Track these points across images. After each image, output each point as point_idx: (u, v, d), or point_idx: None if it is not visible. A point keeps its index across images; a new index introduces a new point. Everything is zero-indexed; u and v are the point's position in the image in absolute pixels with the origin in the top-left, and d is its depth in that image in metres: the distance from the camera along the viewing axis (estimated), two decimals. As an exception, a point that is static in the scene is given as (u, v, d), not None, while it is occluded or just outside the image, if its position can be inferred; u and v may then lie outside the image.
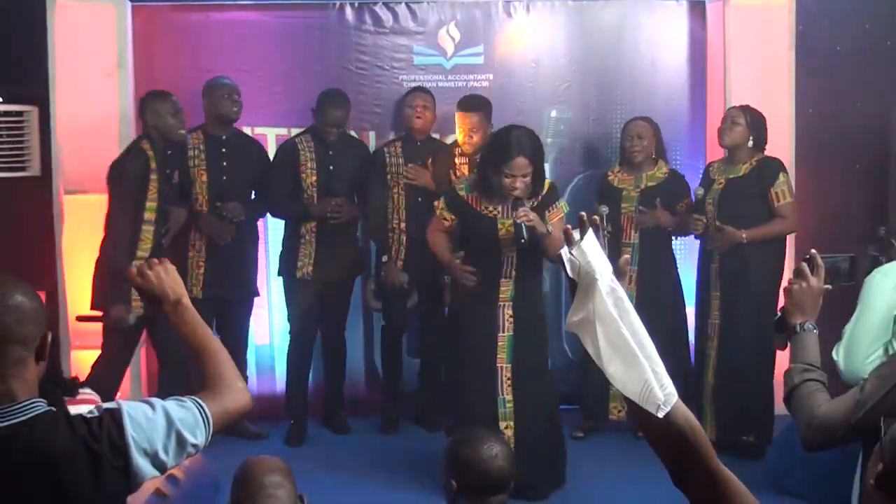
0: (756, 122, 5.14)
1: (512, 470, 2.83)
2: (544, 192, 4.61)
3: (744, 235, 5.03)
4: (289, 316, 5.55)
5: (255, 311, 5.65)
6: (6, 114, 5.12)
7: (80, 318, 4.97)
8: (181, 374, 4.63)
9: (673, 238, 5.50)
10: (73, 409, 1.92)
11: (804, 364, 2.41)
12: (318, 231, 5.36)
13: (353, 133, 5.74)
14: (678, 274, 5.50)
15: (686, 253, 5.84)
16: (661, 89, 5.97)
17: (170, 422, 1.94)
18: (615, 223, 5.29)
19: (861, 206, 5.79)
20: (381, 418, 5.70)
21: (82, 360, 5.32)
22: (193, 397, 2.02)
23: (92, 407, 1.94)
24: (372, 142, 5.78)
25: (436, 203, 4.82)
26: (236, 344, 5.32)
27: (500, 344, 4.62)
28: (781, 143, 5.48)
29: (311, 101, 5.38)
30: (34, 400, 1.88)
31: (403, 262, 5.47)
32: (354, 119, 5.72)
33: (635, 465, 3.84)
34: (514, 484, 2.86)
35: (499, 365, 4.62)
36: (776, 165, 5.15)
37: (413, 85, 5.64)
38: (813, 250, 2.48)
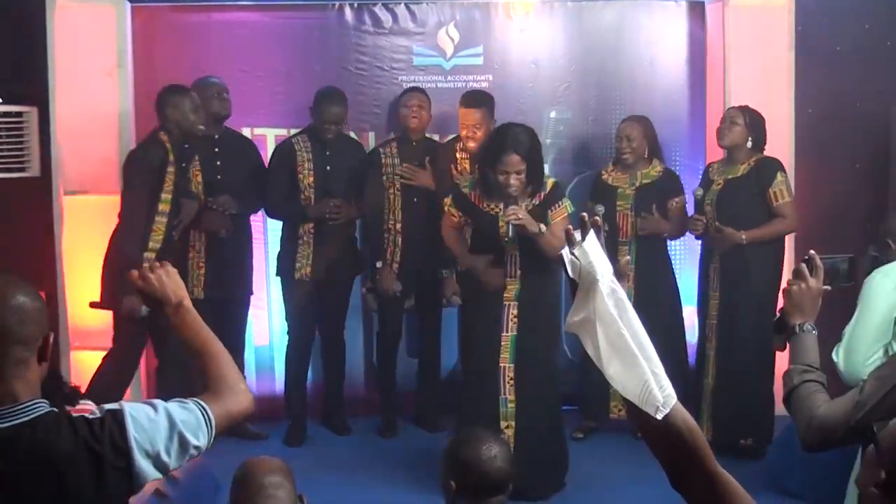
0: (755, 123, 5.15)
1: (511, 471, 2.84)
2: (547, 190, 4.61)
3: (743, 237, 5.03)
4: (287, 317, 5.55)
5: (254, 311, 5.66)
6: (6, 114, 5.12)
7: (94, 305, 4.97)
8: (181, 373, 4.63)
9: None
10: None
11: (803, 365, 2.41)
12: (315, 232, 5.36)
13: (352, 133, 5.74)
14: (674, 274, 5.51)
15: (686, 253, 5.85)
16: (661, 90, 5.97)
17: (172, 423, 1.94)
18: (611, 222, 5.29)
19: (861, 206, 5.79)
20: (382, 420, 5.70)
21: (82, 360, 5.33)
22: (196, 399, 2.01)
23: (94, 408, 1.94)
24: (371, 142, 5.78)
25: (445, 200, 4.82)
26: (235, 343, 5.33)
27: (503, 344, 4.62)
28: (781, 143, 5.48)
29: (311, 102, 5.37)
30: (36, 401, 1.88)
31: (399, 263, 5.46)
32: (354, 120, 5.73)
33: (635, 465, 3.84)
34: (512, 485, 2.87)
35: (501, 365, 4.62)
36: (774, 165, 5.15)
37: (413, 86, 5.64)
38: (812, 251, 2.48)
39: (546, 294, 4.70)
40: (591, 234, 1.64)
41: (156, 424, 1.92)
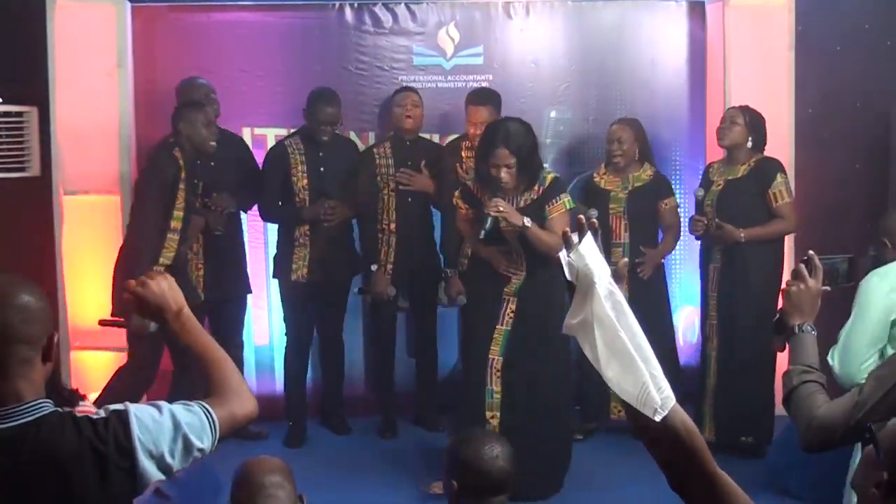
0: (755, 123, 5.14)
1: (512, 471, 2.84)
2: (546, 185, 4.60)
3: (742, 235, 5.03)
4: (285, 318, 5.54)
5: (254, 311, 5.66)
6: (6, 114, 5.12)
7: (103, 323, 4.95)
8: (193, 380, 4.61)
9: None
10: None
11: (803, 365, 2.41)
12: (311, 233, 5.35)
13: (352, 133, 5.75)
14: (666, 277, 5.52)
15: (686, 253, 5.85)
16: (661, 89, 5.97)
17: (177, 425, 1.94)
18: (603, 225, 5.29)
19: (861, 206, 5.79)
20: (381, 420, 5.69)
21: (82, 360, 5.33)
22: (200, 402, 2.02)
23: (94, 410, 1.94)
24: (371, 143, 5.77)
25: (454, 194, 4.82)
26: (235, 343, 5.34)
27: (495, 336, 4.64)
28: (781, 144, 5.48)
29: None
30: (41, 400, 1.89)
31: (393, 263, 5.45)
32: (354, 120, 5.73)
33: (635, 465, 3.83)
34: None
35: (490, 357, 4.64)
36: (774, 166, 5.14)
37: (413, 85, 5.63)
38: (811, 251, 2.48)
39: (547, 291, 4.63)
40: (588, 236, 1.64)
41: (160, 426, 1.93)
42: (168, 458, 1.93)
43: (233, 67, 5.64)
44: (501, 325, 4.64)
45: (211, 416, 1.99)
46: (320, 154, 5.37)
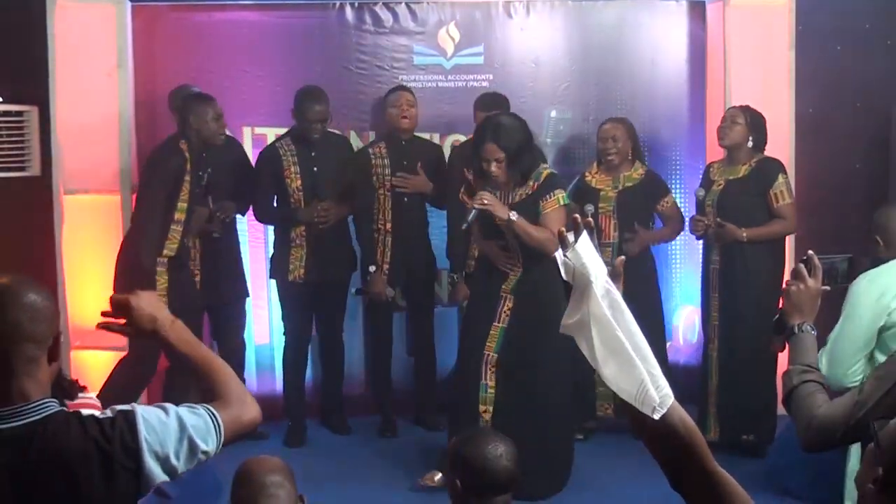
0: (756, 123, 5.14)
1: (516, 470, 2.83)
2: (541, 181, 4.58)
3: (744, 234, 5.03)
4: (283, 318, 5.54)
5: (254, 311, 5.66)
6: (6, 114, 5.12)
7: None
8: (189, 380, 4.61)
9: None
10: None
11: (803, 365, 2.41)
12: (307, 234, 5.34)
13: (353, 133, 5.74)
14: (658, 276, 5.50)
15: (686, 253, 5.85)
16: (661, 89, 5.97)
17: (182, 427, 1.95)
18: (595, 223, 5.27)
19: (861, 206, 5.78)
20: (381, 419, 5.69)
21: (82, 360, 5.33)
22: (206, 405, 2.03)
23: (95, 401, 1.95)
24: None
25: (461, 191, 4.82)
26: (236, 345, 5.34)
27: (491, 333, 4.64)
28: (781, 144, 5.48)
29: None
30: (46, 399, 1.90)
31: (389, 263, 5.44)
32: (355, 119, 5.73)
33: (635, 465, 3.83)
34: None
35: (486, 353, 4.65)
36: (775, 166, 5.14)
37: (414, 85, 5.64)
38: (810, 251, 2.48)
39: (543, 289, 4.56)
40: (584, 235, 1.64)
41: (166, 427, 1.93)
42: (173, 460, 1.94)
43: (233, 67, 5.64)
44: (498, 322, 4.65)
45: (216, 419, 2.01)
46: (312, 154, 5.35)
